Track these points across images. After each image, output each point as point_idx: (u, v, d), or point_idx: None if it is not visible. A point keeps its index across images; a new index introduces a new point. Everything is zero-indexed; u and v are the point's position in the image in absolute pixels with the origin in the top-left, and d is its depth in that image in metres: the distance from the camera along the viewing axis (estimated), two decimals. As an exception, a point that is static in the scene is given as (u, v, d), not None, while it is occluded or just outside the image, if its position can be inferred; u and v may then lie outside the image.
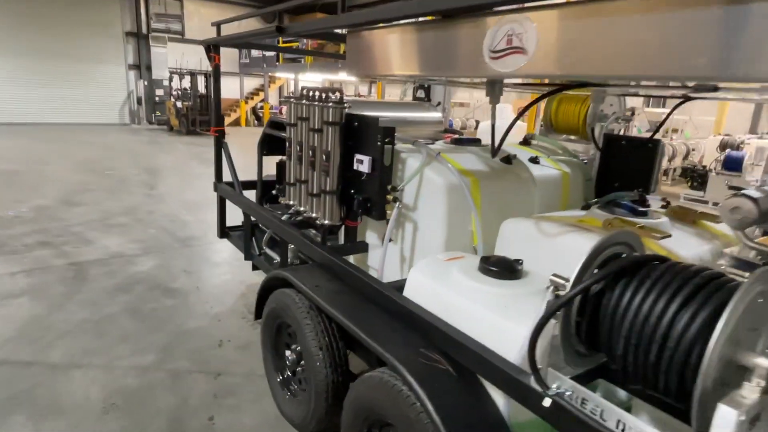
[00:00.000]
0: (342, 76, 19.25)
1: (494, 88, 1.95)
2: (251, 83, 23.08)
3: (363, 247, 2.73)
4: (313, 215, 2.69)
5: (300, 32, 2.56)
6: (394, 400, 1.75)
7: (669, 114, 3.08)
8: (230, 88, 21.74)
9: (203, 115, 17.50)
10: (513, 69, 1.48)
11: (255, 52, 19.73)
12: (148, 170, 10.02)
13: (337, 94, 2.51)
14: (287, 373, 2.66)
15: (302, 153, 2.71)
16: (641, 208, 2.30)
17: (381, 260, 2.40)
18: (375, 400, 1.90)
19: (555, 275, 1.56)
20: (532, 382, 1.43)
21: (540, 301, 1.77)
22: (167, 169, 10.33)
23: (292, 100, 2.78)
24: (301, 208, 2.81)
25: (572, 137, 3.39)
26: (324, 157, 2.50)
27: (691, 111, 15.11)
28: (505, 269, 1.90)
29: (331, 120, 2.45)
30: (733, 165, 8.94)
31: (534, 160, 2.87)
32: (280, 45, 15.50)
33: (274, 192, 3.53)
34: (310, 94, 2.63)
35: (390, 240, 2.41)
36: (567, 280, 1.52)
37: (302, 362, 2.54)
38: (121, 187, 8.26)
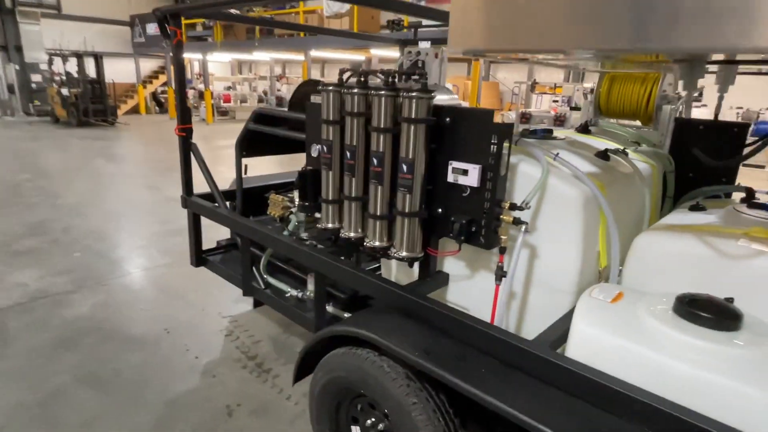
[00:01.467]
0: (257, 56, 17.78)
1: (693, 70, 1.40)
2: (148, 65, 20.62)
3: (444, 280, 2.11)
4: (377, 244, 2.00)
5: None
6: None
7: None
8: (124, 71, 19.29)
9: (97, 104, 15.21)
10: None
11: (152, 30, 17.49)
12: (43, 174, 8.29)
13: (417, 77, 1.83)
14: (362, 459, 1.99)
15: (355, 161, 2.00)
16: (799, 210, 1.93)
17: (501, 301, 1.79)
18: None
19: None
20: None
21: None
22: (68, 171, 8.63)
23: (331, 88, 2.04)
24: (351, 234, 2.10)
25: (624, 122, 2.99)
26: (404, 167, 1.81)
27: (589, 80, 15.82)
28: (723, 315, 1.40)
29: (414, 116, 1.76)
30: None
31: (623, 153, 2.40)
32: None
33: (297, 207, 2.71)
34: (371, 78, 1.92)
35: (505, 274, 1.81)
36: None
37: (387, 444, 1.90)
38: (15, 197, 6.67)
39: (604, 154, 2.21)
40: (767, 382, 1.23)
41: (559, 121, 11.11)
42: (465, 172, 1.75)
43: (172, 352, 3.10)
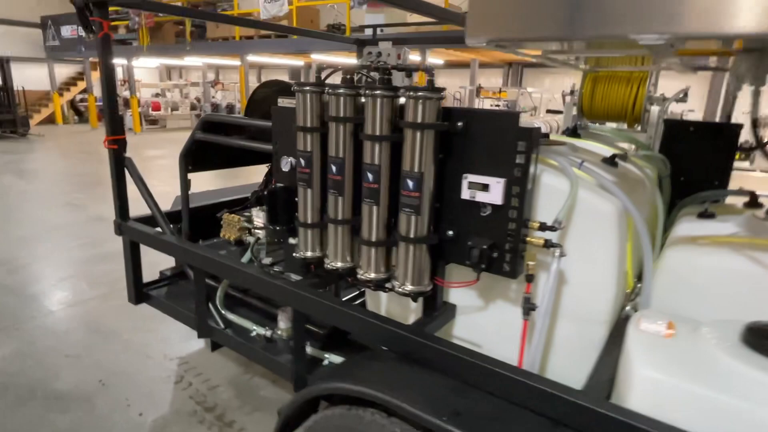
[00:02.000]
0: (188, 62, 16.76)
1: (764, 60, 1.19)
2: (64, 71, 18.90)
3: (451, 313, 1.79)
4: (372, 276, 1.66)
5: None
6: None
7: None
8: (37, 78, 17.56)
9: (4, 113, 13.70)
10: None
11: (67, 32, 16.02)
12: (-62, 195, 7.16)
13: (421, 74, 1.52)
14: None
15: (343, 176, 1.65)
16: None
17: (533, 340, 1.51)
18: None
19: None
20: None
21: None
22: (-30, 190, 7.52)
23: (309, 88, 1.68)
24: (339, 264, 1.75)
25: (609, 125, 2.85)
26: (409, 183, 1.49)
27: (527, 84, 16.28)
28: (809, 348, 1.20)
29: (422, 120, 1.45)
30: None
31: (622, 158, 2.22)
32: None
33: (265, 232, 2.25)
34: (364, 76, 1.59)
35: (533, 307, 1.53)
36: None
37: None
38: None
39: (612, 160, 2.00)
40: None
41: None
42: (485, 187, 1.46)
43: (109, 410, 2.57)
